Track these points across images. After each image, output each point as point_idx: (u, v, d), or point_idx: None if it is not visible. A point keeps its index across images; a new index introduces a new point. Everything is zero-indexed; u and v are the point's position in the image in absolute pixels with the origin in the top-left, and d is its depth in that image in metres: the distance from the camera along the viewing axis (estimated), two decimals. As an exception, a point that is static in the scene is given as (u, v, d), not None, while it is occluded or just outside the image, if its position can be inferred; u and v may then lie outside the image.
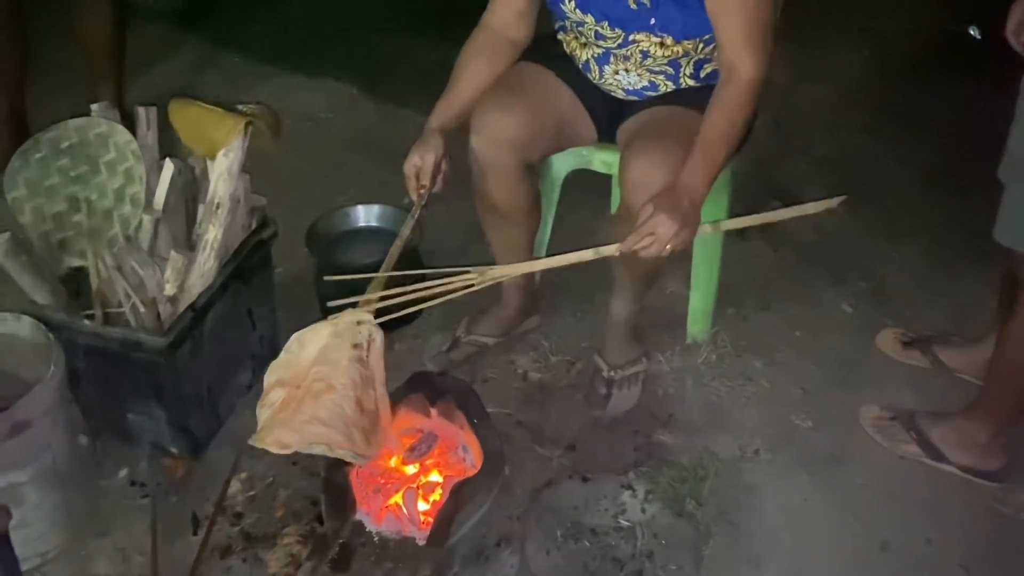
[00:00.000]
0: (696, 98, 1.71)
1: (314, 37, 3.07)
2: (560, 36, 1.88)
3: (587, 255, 1.61)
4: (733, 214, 2.04)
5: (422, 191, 1.71)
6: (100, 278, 1.69)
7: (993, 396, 1.80)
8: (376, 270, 2.08)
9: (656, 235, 1.54)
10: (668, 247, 1.55)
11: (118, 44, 2.46)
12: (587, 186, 2.15)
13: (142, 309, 1.68)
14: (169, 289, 1.70)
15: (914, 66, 3.02)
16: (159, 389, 1.74)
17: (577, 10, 1.75)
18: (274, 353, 2.03)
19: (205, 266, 1.74)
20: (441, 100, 1.77)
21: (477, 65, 1.79)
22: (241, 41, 3.01)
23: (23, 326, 1.66)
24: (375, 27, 3.13)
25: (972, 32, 3.13)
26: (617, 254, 1.59)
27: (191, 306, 1.72)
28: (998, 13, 1.71)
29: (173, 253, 1.68)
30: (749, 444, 1.90)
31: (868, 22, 3.25)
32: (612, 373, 1.98)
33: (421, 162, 1.70)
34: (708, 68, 1.77)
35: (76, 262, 1.73)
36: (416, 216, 1.70)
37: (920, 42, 3.14)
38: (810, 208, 1.66)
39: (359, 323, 1.53)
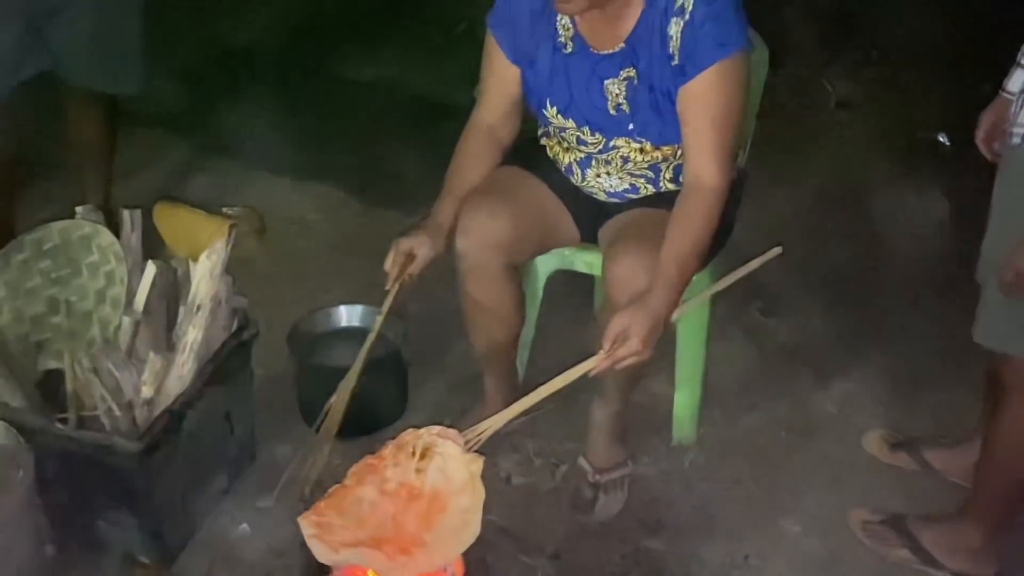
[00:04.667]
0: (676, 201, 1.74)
1: (302, 141, 3.12)
2: (543, 141, 1.93)
3: (570, 377, 1.63)
4: (715, 318, 2.06)
5: (407, 279, 1.78)
6: (76, 381, 1.67)
7: (983, 499, 1.77)
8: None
9: (630, 354, 1.58)
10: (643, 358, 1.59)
11: (108, 148, 2.48)
12: (570, 286, 2.16)
13: (117, 413, 1.65)
14: (146, 392, 1.67)
15: (888, 172, 3.10)
16: (132, 495, 1.69)
17: (559, 115, 1.80)
18: (252, 457, 2.01)
19: (184, 368, 1.72)
20: (444, 198, 1.83)
21: (467, 165, 1.86)
22: (229, 146, 3.06)
23: (-6, 430, 1.62)
24: (362, 132, 3.20)
25: (942, 139, 3.23)
26: (592, 375, 1.62)
27: (168, 409, 1.69)
28: (966, 121, 1.77)
29: (152, 355, 1.66)
30: (738, 550, 1.85)
31: (841, 130, 3.36)
32: (598, 477, 1.94)
33: (394, 253, 1.78)
34: (688, 172, 1.81)
35: (52, 364, 1.71)
36: (388, 306, 1.78)
37: (893, 149, 3.22)
38: (754, 263, 1.74)
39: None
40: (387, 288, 1.79)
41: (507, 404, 2.01)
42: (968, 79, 3.28)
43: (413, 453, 1.52)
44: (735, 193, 1.80)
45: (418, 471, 1.52)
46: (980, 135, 1.70)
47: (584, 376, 1.64)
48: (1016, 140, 1.54)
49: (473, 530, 1.48)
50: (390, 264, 1.79)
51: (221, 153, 3.05)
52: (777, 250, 1.76)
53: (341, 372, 2.07)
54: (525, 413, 1.66)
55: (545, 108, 1.81)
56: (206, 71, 3.43)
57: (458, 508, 1.49)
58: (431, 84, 3.39)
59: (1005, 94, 1.64)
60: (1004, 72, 1.68)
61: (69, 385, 1.68)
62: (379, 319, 1.82)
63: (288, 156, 3.05)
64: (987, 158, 1.70)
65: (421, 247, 1.78)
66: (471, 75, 1.93)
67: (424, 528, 1.47)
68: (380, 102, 3.38)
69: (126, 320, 1.68)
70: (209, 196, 2.75)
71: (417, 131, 3.14)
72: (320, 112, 3.29)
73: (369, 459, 1.58)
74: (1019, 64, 1.61)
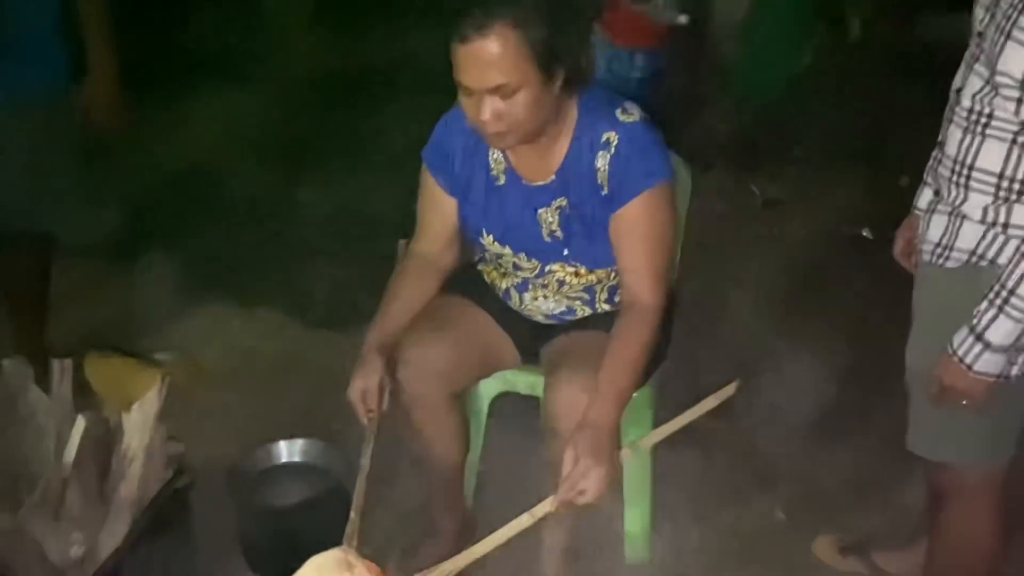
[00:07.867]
0: (612, 322, 1.76)
1: (241, 266, 3.11)
2: (480, 267, 1.95)
3: (523, 522, 1.58)
4: (657, 425, 2.06)
5: (371, 414, 1.72)
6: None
7: (933, 603, 1.78)
8: (301, 511, 2.02)
9: (588, 486, 1.56)
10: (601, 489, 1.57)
11: (42, 288, 2.43)
12: (514, 407, 2.15)
13: (46, 578, 1.58)
14: (76, 551, 1.60)
15: (817, 267, 3.18)
16: (62, 664, 1.60)
17: (496, 243, 1.83)
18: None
19: (117, 522, 1.66)
20: (377, 323, 1.81)
21: (409, 290, 1.85)
22: (168, 274, 3.02)
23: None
24: (301, 254, 3.20)
25: (865, 234, 3.35)
26: (552, 510, 1.58)
27: (101, 568, 1.61)
28: (887, 214, 1.82)
29: (82, 512, 1.60)
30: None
31: (769, 229, 3.46)
32: (551, 605, 1.90)
33: (364, 384, 1.72)
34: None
35: (-23, 528, 1.63)
36: (371, 441, 1.69)
37: (820, 244, 3.32)
38: (711, 401, 1.68)
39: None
40: (367, 440, 1.70)
41: (457, 535, 2.00)
42: (885, 172, 3.43)
43: None
44: (668, 311, 1.84)
45: None
46: (897, 250, 1.77)
47: (542, 490, 1.59)
48: (926, 257, 1.60)
49: None
50: (361, 414, 1.73)
51: (159, 282, 3.02)
52: (733, 387, 1.68)
53: (284, 512, 2.02)
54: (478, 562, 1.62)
55: (481, 236, 1.84)
56: (144, 198, 3.42)
57: None
58: (369, 205, 3.42)
59: (916, 211, 1.71)
60: (921, 164, 1.71)
61: (-6, 550, 1.60)
62: (364, 464, 1.68)
63: (228, 281, 3.04)
64: (908, 269, 1.76)
65: (377, 381, 1.73)
66: (408, 197, 1.95)
67: None
68: (316, 222, 3.40)
69: (55, 477, 1.62)
70: (147, 327, 2.71)
71: (354, 251, 3.16)
72: (258, 235, 3.30)
73: None
74: (926, 183, 1.68)
